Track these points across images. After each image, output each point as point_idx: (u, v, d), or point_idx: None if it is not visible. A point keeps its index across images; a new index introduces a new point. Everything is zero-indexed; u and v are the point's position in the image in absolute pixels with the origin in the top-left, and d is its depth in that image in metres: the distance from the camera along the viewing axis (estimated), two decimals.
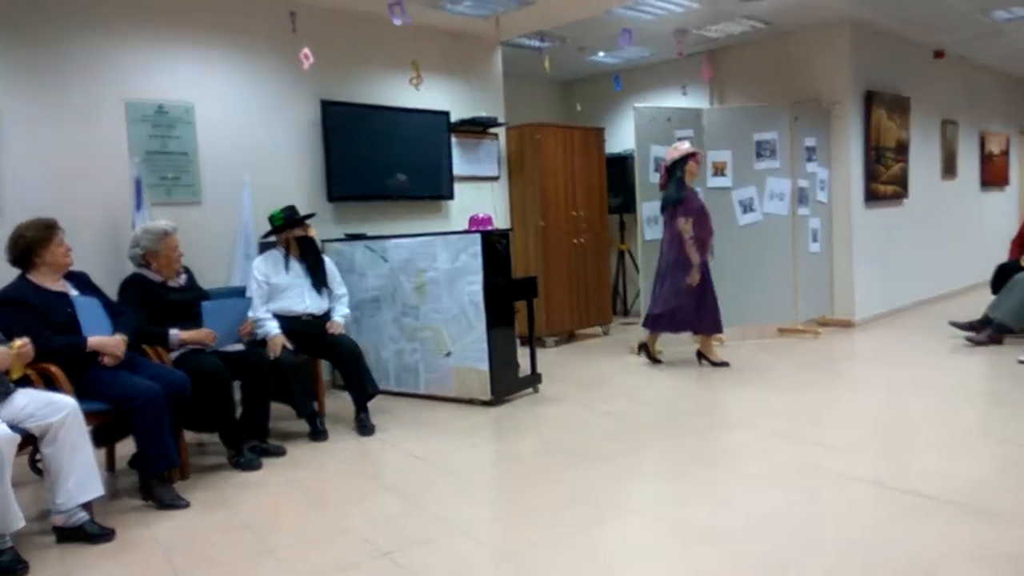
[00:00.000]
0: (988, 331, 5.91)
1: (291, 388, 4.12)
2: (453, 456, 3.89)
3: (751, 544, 2.71)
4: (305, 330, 4.36)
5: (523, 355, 5.13)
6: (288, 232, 4.44)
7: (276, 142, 5.27)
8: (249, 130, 5.13)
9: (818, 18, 6.71)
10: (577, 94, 8.94)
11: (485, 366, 4.71)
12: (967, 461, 3.46)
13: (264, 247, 4.61)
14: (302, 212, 4.57)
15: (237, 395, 3.94)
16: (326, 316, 4.50)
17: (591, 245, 7.18)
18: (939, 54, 8.29)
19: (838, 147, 7.06)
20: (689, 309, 5.47)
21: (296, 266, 4.46)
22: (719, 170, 6.57)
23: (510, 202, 6.86)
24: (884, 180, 7.46)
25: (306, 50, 4.94)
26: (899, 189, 7.73)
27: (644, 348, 5.88)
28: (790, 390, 4.95)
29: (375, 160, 5.66)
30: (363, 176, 5.61)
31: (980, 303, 6.29)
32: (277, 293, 4.38)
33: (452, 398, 4.89)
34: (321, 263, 4.54)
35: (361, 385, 4.35)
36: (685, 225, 5.34)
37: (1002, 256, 6.77)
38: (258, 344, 4.16)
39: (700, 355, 5.66)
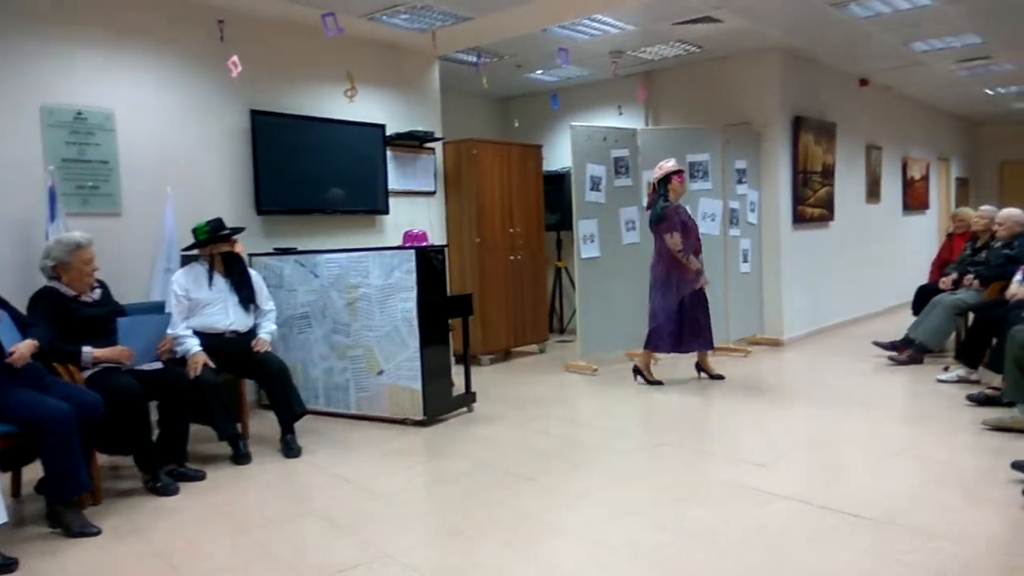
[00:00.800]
0: (909, 351, 6.11)
1: (212, 408, 3.95)
2: (383, 478, 3.79)
3: (679, 563, 2.71)
4: (229, 347, 4.20)
5: (458, 373, 5.07)
6: (213, 247, 4.29)
7: (202, 152, 5.10)
8: (174, 139, 4.95)
9: (749, 45, 6.90)
10: (515, 111, 8.97)
11: (418, 385, 4.63)
12: (889, 478, 3.54)
13: (187, 260, 4.44)
14: (229, 225, 4.42)
15: (154, 416, 3.76)
16: (252, 333, 4.35)
17: (528, 262, 7.17)
18: (864, 82, 8.63)
19: (767, 170, 7.25)
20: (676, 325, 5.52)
21: (220, 281, 4.30)
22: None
23: (446, 218, 6.81)
24: (811, 203, 7.69)
25: (235, 58, 4.81)
26: (825, 212, 7.98)
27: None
28: (720, 409, 5.01)
29: (307, 173, 5.54)
30: (294, 189, 5.47)
31: (902, 323, 6.51)
32: (199, 309, 4.21)
33: (384, 418, 4.78)
34: (248, 279, 4.39)
35: (287, 405, 4.21)
36: (672, 240, 5.37)
37: (923, 278, 7.05)
38: (177, 362, 3.99)
39: (636, 371, 5.72)
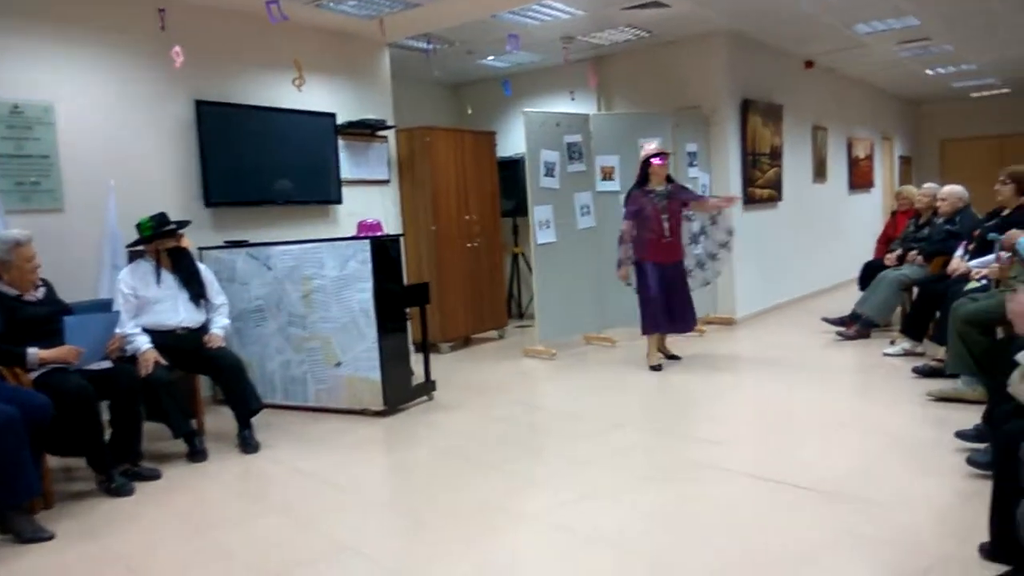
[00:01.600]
0: (856, 326, 6.29)
1: (165, 406, 3.88)
2: (343, 471, 3.77)
3: (639, 542, 2.77)
4: (180, 344, 4.12)
5: (417, 362, 5.05)
6: (158, 242, 4.18)
7: (147, 144, 4.96)
8: (116, 132, 4.80)
9: (696, 29, 6.96)
10: (468, 97, 8.92)
11: (377, 375, 4.60)
12: (839, 451, 3.65)
13: (134, 256, 4.33)
14: (176, 219, 4.31)
15: (106, 416, 3.67)
16: (204, 329, 4.26)
17: (485, 249, 7.17)
18: (809, 64, 8.78)
19: (717, 153, 7.34)
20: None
21: (168, 277, 4.20)
22: (607, 175, 6.71)
23: (401, 206, 6.75)
24: (760, 184, 7.82)
25: (177, 48, 4.68)
26: (774, 192, 8.13)
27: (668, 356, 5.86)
28: (676, 388, 5.10)
29: (257, 163, 5.43)
30: (244, 180, 5.37)
31: (850, 299, 6.68)
32: (147, 307, 4.11)
33: (343, 409, 4.75)
34: (196, 274, 4.30)
35: (243, 400, 4.15)
36: (623, 226, 5.54)
37: (869, 255, 7.24)
38: (128, 361, 3.90)
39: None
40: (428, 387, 5.01)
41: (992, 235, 4.61)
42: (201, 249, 5.00)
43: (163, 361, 3.93)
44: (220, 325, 4.32)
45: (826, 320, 6.57)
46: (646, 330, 5.63)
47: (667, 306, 5.54)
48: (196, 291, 4.25)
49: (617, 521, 2.96)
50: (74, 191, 4.58)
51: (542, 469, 3.71)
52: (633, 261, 5.55)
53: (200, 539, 3.02)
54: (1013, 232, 4.22)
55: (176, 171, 5.11)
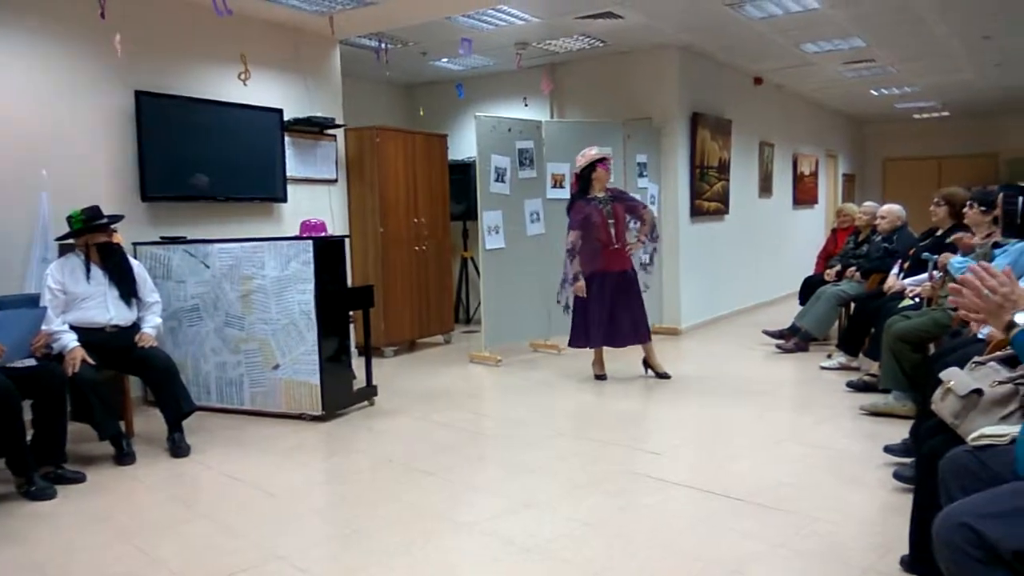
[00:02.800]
0: (795, 339, 6.42)
1: (92, 406, 3.73)
2: (277, 477, 3.68)
3: (574, 552, 2.77)
4: (110, 343, 3.98)
5: (359, 366, 4.98)
6: (89, 237, 4.03)
7: (81, 135, 4.78)
8: (50, 121, 4.61)
9: (650, 41, 7.03)
10: (420, 99, 8.86)
11: (316, 379, 4.51)
12: (773, 463, 3.70)
13: (65, 250, 4.17)
14: (110, 213, 4.17)
15: (29, 416, 3.51)
16: (135, 327, 4.13)
17: (433, 252, 7.11)
18: (758, 80, 8.97)
19: (667, 164, 7.43)
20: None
21: (98, 273, 4.06)
22: (558, 182, 6.72)
23: (349, 207, 6.66)
24: (707, 197, 7.94)
25: (117, 37, 4.53)
26: (721, 206, 8.26)
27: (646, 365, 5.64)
28: (620, 397, 5.12)
29: (198, 158, 5.27)
30: (183, 175, 5.20)
31: (791, 312, 6.81)
32: (76, 303, 3.96)
33: (281, 414, 4.65)
34: (128, 271, 4.16)
35: (174, 402, 4.02)
36: (568, 237, 5.40)
37: (810, 269, 7.40)
38: (54, 359, 3.75)
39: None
40: (369, 392, 4.94)
41: (926, 255, 4.75)
42: (136, 245, 4.85)
43: (90, 360, 3.79)
44: (152, 324, 4.19)
45: (767, 333, 6.69)
46: (572, 343, 5.56)
47: (611, 318, 5.40)
48: (127, 288, 4.11)
49: (554, 530, 2.95)
50: (3, 181, 4.39)
51: (482, 477, 3.69)
52: (572, 275, 5.43)
53: (124, 545, 2.91)
54: (946, 254, 4.36)
55: (112, 163, 4.93)
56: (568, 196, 5.83)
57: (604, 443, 4.11)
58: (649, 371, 5.59)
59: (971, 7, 6.20)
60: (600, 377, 5.55)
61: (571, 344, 5.62)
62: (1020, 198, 2.43)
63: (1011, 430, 2.00)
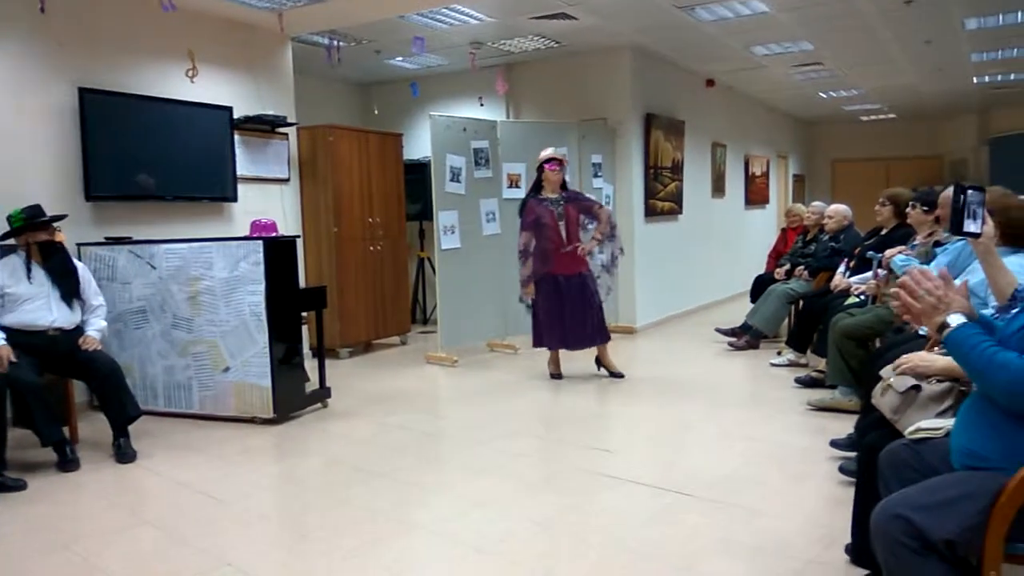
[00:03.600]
0: (747, 337, 6.53)
1: (33, 412, 3.62)
2: (227, 482, 3.61)
3: (525, 551, 2.77)
4: (52, 346, 3.87)
5: (313, 368, 4.92)
6: (29, 235, 3.91)
7: (23, 133, 4.62)
8: None
9: (604, 42, 7.08)
10: (375, 97, 8.79)
11: (267, 381, 4.44)
12: (722, 459, 3.77)
13: (5, 251, 4.03)
14: (51, 212, 4.05)
15: None
16: (78, 331, 4.01)
17: (389, 253, 7.06)
18: (710, 83, 9.10)
19: (621, 165, 7.49)
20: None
21: (40, 273, 3.94)
22: (513, 182, 6.73)
23: (302, 207, 6.57)
24: (661, 197, 8.03)
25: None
26: (675, 206, 8.36)
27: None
28: (574, 396, 5.15)
29: (144, 156, 5.13)
30: (129, 173, 5.07)
31: (743, 310, 6.93)
32: (16, 304, 3.83)
33: (231, 417, 4.56)
34: (71, 272, 4.04)
35: (120, 406, 3.92)
36: (520, 238, 5.40)
37: (762, 268, 7.54)
38: None
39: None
40: (323, 394, 4.88)
41: (871, 253, 4.87)
42: (80, 245, 4.72)
43: (13, 358, 3.61)
44: (97, 327, 4.08)
45: (719, 331, 6.80)
46: (534, 343, 5.60)
47: (563, 322, 5.36)
48: (70, 288, 3.99)
49: (506, 530, 2.95)
50: None
51: (436, 478, 3.67)
52: (524, 277, 5.42)
53: (66, 553, 2.83)
54: (890, 251, 4.47)
55: (55, 162, 4.78)
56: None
57: (557, 442, 4.12)
58: (602, 370, 5.61)
59: (912, 12, 6.38)
60: (555, 376, 5.57)
61: (534, 344, 5.65)
62: (960, 195, 2.47)
63: (946, 424, 2.06)
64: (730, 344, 6.59)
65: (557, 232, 5.33)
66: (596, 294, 5.47)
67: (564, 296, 5.34)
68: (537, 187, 5.45)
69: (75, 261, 4.19)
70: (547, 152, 5.45)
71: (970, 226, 2.13)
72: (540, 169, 5.40)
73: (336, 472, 3.74)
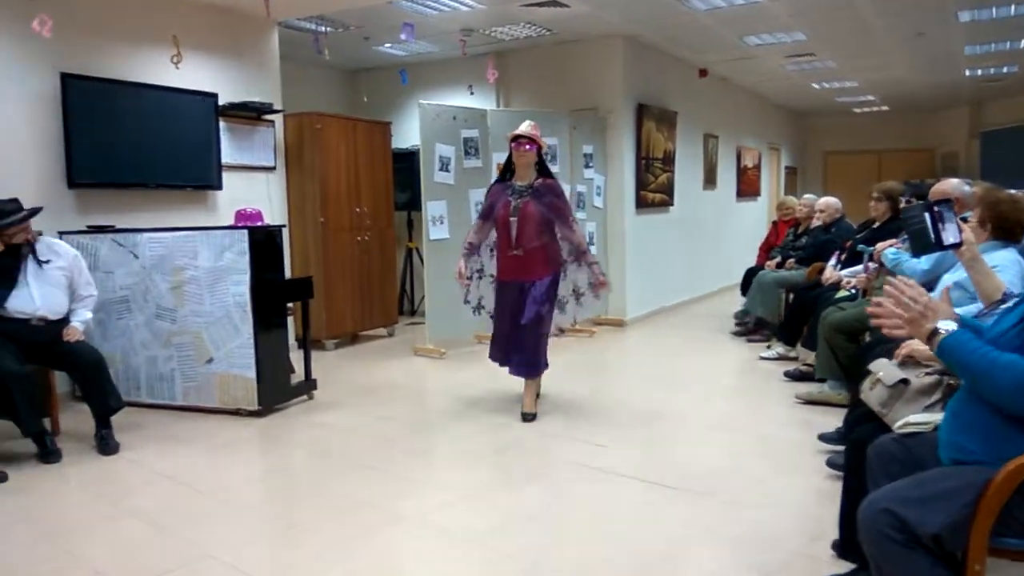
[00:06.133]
0: (764, 330, 6.51)
1: (15, 402, 3.56)
2: (211, 474, 3.57)
3: (512, 543, 2.76)
4: (34, 336, 3.80)
5: (298, 359, 4.87)
6: (6, 236, 3.81)
7: (3, 119, 4.53)
8: None
9: (595, 30, 7.02)
10: (364, 85, 8.70)
11: (252, 373, 4.39)
12: (710, 452, 3.75)
13: None
14: (33, 200, 3.97)
15: None
16: (64, 321, 3.95)
17: (376, 243, 6.99)
18: (703, 73, 9.04)
19: (612, 155, 7.45)
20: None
21: (18, 267, 3.85)
22: None
23: (288, 195, 6.50)
24: (653, 188, 7.99)
25: (43, 15, 4.31)
26: (666, 197, 8.32)
27: None
28: (562, 389, 5.11)
29: (128, 143, 5.06)
30: (113, 161, 4.99)
31: (734, 303, 6.91)
32: None
33: (215, 409, 4.51)
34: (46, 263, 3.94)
35: (102, 398, 3.86)
36: (474, 225, 4.65)
37: (753, 261, 7.51)
38: None
39: None
40: (308, 386, 4.83)
41: (862, 247, 4.85)
42: (61, 233, 4.64)
43: None
44: (81, 318, 4.01)
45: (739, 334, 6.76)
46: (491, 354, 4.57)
47: (499, 336, 4.44)
48: (48, 279, 3.91)
49: (493, 521, 2.93)
50: None
51: (421, 470, 3.64)
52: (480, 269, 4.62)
53: (48, 545, 2.80)
54: (881, 245, 4.45)
55: (36, 149, 4.70)
56: None
57: (546, 434, 4.09)
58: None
59: (905, 4, 6.35)
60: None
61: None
62: (927, 213, 2.43)
63: (935, 418, 2.04)
64: (740, 334, 6.62)
65: (505, 229, 4.29)
66: (540, 316, 4.27)
67: (504, 308, 4.37)
68: (509, 169, 4.43)
69: (70, 249, 4.11)
70: (522, 128, 4.32)
71: (949, 238, 2.15)
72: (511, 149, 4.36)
73: (322, 464, 3.71)
